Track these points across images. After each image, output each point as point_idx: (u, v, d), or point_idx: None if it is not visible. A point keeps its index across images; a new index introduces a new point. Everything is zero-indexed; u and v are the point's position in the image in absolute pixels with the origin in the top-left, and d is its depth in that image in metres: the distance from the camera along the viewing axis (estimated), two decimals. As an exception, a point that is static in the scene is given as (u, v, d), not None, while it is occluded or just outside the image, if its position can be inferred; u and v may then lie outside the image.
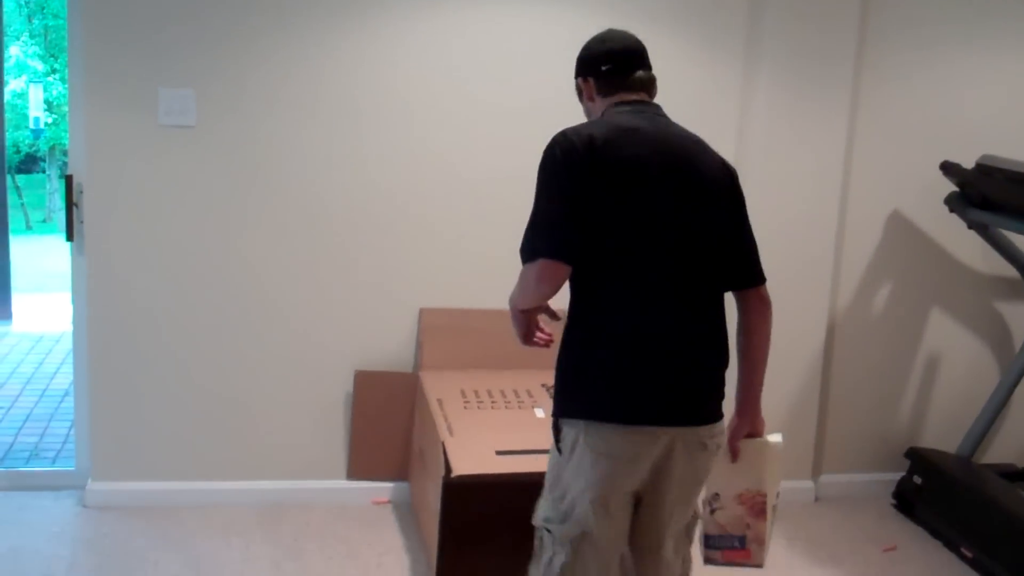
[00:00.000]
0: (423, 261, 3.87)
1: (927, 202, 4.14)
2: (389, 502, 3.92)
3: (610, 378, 2.25)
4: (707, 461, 2.39)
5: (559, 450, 2.33)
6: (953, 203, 4.03)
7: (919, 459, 4.12)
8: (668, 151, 2.30)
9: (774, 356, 4.01)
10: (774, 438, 2.53)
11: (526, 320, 2.45)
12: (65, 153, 3.34)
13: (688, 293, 2.32)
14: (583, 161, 2.20)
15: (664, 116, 2.41)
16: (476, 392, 3.61)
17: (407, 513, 3.83)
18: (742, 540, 2.54)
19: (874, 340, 4.25)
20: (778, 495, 2.57)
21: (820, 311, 4.09)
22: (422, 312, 3.87)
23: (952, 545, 3.80)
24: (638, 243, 2.24)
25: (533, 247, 2.24)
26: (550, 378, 3.70)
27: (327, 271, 3.81)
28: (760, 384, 2.51)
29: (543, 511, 2.39)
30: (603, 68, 2.38)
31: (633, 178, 2.23)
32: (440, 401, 3.52)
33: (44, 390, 5.75)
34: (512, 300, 2.42)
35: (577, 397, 2.30)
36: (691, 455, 2.35)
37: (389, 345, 3.88)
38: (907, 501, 4.11)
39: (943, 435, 4.31)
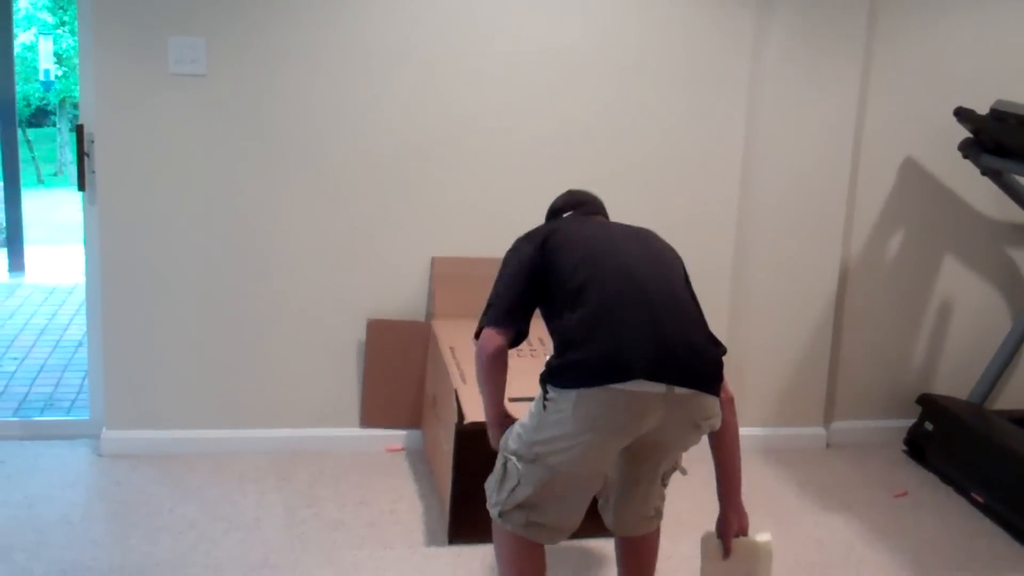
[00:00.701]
0: (435, 210, 3.83)
1: (941, 149, 4.09)
2: (403, 449, 3.92)
3: (599, 346, 2.27)
4: (697, 438, 2.44)
5: (544, 407, 2.35)
6: (967, 149, 3.97)
7: (931, 405, 4.10)
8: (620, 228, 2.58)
9: (788, 300, 4.02)
10: (763, 537, 2.61)
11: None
12: (75, 106, 3.31)
13: (665, 290, 2.40)
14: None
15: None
16: (488, 340, 3.58)
17: (420, 460, 3.83)
18: None
19: (886, 287, 4.22)
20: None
21: (832, 258, 4.05)
22: (434, 260, 3.84)
23: (963, 491, 3.79)
24: (603, 265, 2.40)
25: None
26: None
27: (339, 220, 3.78)
28: (738, 478, 2.55)
29: (514, 444, 2.42)
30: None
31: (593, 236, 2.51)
32: (452, 349, 3.51)
33: (58, 341, 5.75)
34: None
35: (568, 371, 2.30)
36: (682, 433, 2.39)
37: (401, 294, 3.86)
38: (918, 447, 4.10)
39: (955, 382, 4.29)
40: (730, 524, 2.55)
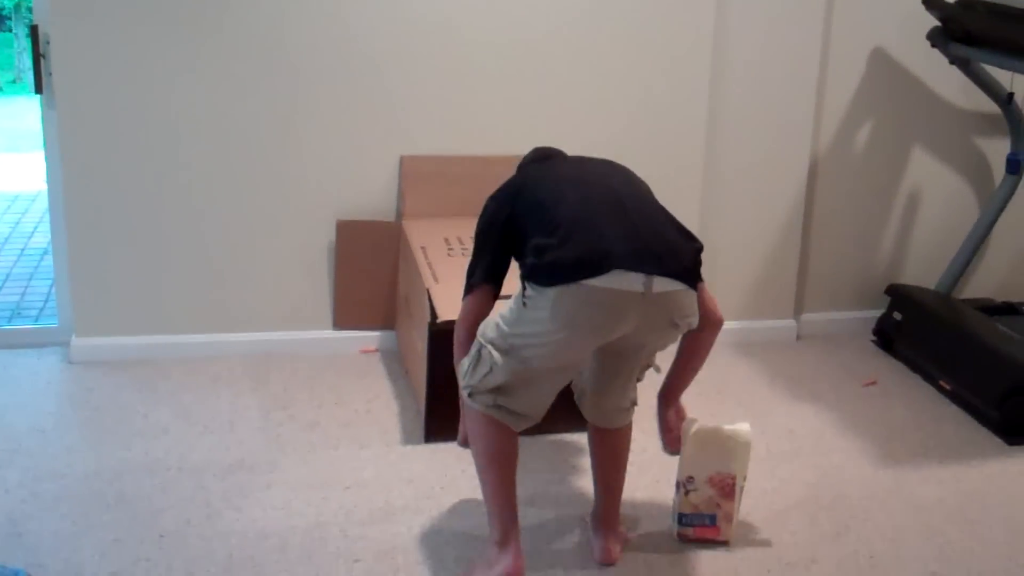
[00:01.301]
0: (404, 108, 3.74)
1: (909, 38, 4.03)
2: (376, 350, 3.89)
3: (576, 246, 2.28)
4: (675, 336, 2.45)
5: (524, 304, 2.35)
6: (935, 38, 3.91)
7: (899, 296, 4.11)
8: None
9: (758, 194, 3.99)
10: (742, 427, 2.68)
11: None
12: (31, 10, 3.20)
13: (636, 195, 2.46)
14: None
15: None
16: (460, 239, 3.55)
17: (395, 360, 3.81)
18: (712, 518, 2.70)
19: (855, 179, 4.19)
20: (744, 478, 2.73)
21: (802, 151, 4.01)
22: (403, 160, 3.77)
23: (931, 379, 3.82)
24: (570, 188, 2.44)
25: None
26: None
27: (305, 120, 3.69)
28: (687, 384, 2.68)
29: (491, 333, 2.43)
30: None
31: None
32: (424, 249, 3.46)
33: (23, 249, 5.65)
34: None
35: (546, 269, 2.29)
36: (660, 332, 2.40)
37: (371, 194, 3.79)
38: (887, 337, 4.12)
39: (923, 272, 4.30)
40: (670, 422, 2.67)
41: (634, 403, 2.65)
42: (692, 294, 2.36)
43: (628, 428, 2.67)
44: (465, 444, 2.63)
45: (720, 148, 3.98)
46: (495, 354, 2.39)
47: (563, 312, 2.28)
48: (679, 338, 2.51)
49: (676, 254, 2.34)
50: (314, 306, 3.87)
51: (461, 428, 2.70)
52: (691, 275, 2.36)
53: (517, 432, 2.47)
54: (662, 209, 2.46)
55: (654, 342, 2.48)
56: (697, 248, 2.41)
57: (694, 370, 2.65)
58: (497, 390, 2.41)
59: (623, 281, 2.26)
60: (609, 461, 2.67)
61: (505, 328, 2.38)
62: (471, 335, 2.50)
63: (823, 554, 2.71)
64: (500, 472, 2.47)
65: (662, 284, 2.29)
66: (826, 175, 4.15)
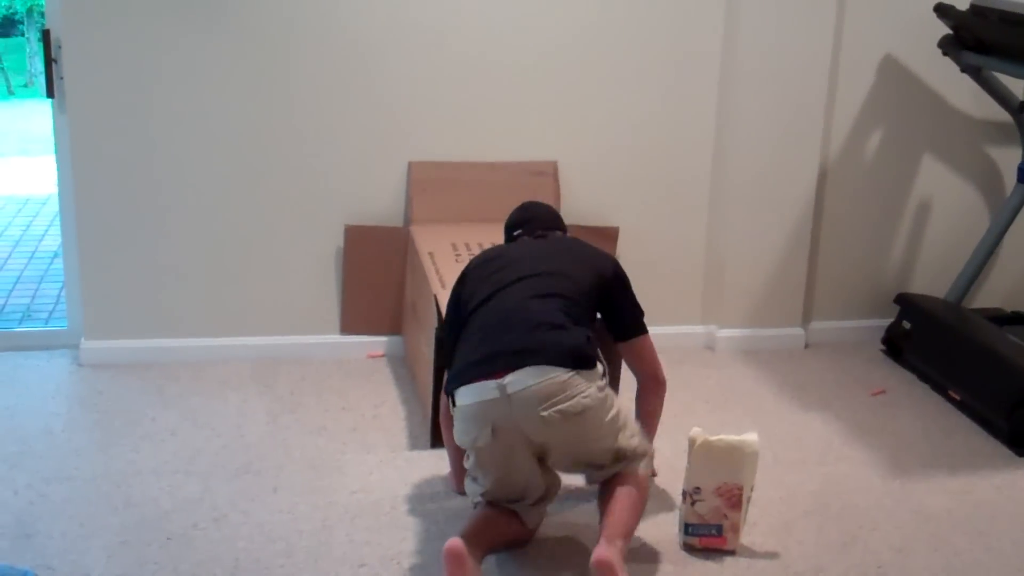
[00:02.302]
0: (412, 113, 3.75)
1: (920, 45, 4.01)
2: (383, 355, 3.90)
3: (460, 360, 2.57)
4: (566, 432, 2.47)
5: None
6: (946, 46, 3.90)
7: (908, 304, 4.10)
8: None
9: (766, 202, 3.99)
10: (751, 437, 2.67)
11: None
12: (43, 14, 3.21)
13: (536, 298, 2.59)
14: None
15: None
16: (467, 245, 3.54)
17: (401, 366, 3.81)
18: (719, 528, 2.70)
19: (865, 187, 4.18)
20: (752, 488, 2.76)
21: (812, 158, 4.00)
22: (411, 165, 3.77)
23: (940, 388, 3.80)
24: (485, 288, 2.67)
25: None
26: (542, 230, 3.69)
27: (314, 125, 3.70)
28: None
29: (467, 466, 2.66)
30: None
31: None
32: (431, 254, 3.46)
33: (33, 252, 5.67)
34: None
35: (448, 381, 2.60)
36: (540, 430, 2.45)
37: (379, 199, 3.79)
38: (896, 346, 4.11)
39: (933, 280, 4.28)
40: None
41: (623, 457, 2.62)
42: (569, 379, 2.43)
43: (627, 476, 2.62)
44: (461, 491, 2.77)
45: (729, 156, 3.97)
46: (472, 486, 2.62)
47: (458, 434, 2.54)
48: (584, 433, 2.52)
49: (541, 344, 2.44)
50: (322, 311, 3.87)
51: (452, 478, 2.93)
52: (564, 358, 2.43)
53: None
54: (549, 307, 2.54)
55: (551, 442, 2.50)
56: (578, 336, 2.52)
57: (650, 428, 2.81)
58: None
59: (480, 391, 2.43)
60: (607, 494, 2.62)
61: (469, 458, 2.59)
62: (447, 429, 2.77)
63: (830, 564, 2.70)
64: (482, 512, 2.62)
65: (519, 380, 2.39)
66: (835, 183, 4.14)
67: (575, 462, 2.65)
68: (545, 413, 2.40)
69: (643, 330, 2.81)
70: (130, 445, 3.16)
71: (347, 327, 3.88)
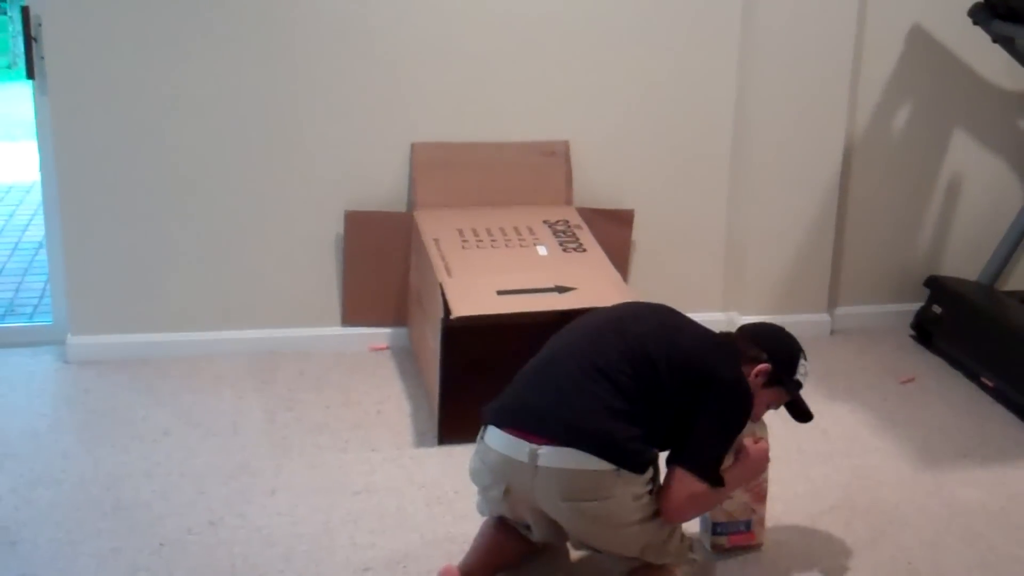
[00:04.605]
0: (414, 92, 3.73)
1: (950, 14, 3.98)
2: (387, 348, 3.89)
3: (512, 393, 2.49)
4: (584, 525, 2.37)
5: None
6: (977, 15, 3.87)
7: (939, 287, 4.08)
8: None
9: (789, 181, 3.96)
10: (758, 425, 2.63)
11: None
12: (24, -9, 3.21)
13: (581, 366, 2.41)
14: None
15: None
16: (474, 231, 3.54)
17: (406, 358, 3.80)
18: (747, 524, 2.71)
19: (892, 165, 4.15)
20: (767, 478, 2.71)
21: (836, 133, 3.97)
22: (414, 147, 3.75)
23: (972, 375, 3.79)
24: None
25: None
26: (552, 214, 3.74)
27: (311, 106, 3.68)
28: None
29: None
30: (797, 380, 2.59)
31: None
32: (437, 241, 3.46)
33: (16, 243, 5.65)
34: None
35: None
36: (558, 512, 2.36)
37: (381, 183, 3.78)
38: (926, 332, 4.09)
39: (964, 262, 4.26)
40: None
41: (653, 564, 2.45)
42: (606, 476, 2.28)
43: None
44: None
45: (749, 132, 3.95)
46: (479, 499, 2.59)
47: (472, 466, 2.51)
48: (600, 531, 2.38)
49: (572, 415, 2.31)
50: (322, 301, 3.86)
51: None
52: (611, 450, 2.28)
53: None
54: (600, 385, 2.35)
55: (568, 528, 2.41)
56: (622, 432, 2.30)
57: None
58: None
59: (511, 447, 2.34)
60: None
61: None
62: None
63: (857, 561, 2.69)
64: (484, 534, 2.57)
65: (554, 457, 2.29)
66: (861, 160, 4.12)
67: (591, 548, 2.51)
68: (565, 504, 2.33)
69: (693, 468, 2.37)
70: (120, 446, 3.16)
71: (348, 318, 3.87)
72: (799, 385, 2.58)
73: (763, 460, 2.55)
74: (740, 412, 2.44)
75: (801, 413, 2.63)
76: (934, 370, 3.89)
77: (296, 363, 3.75)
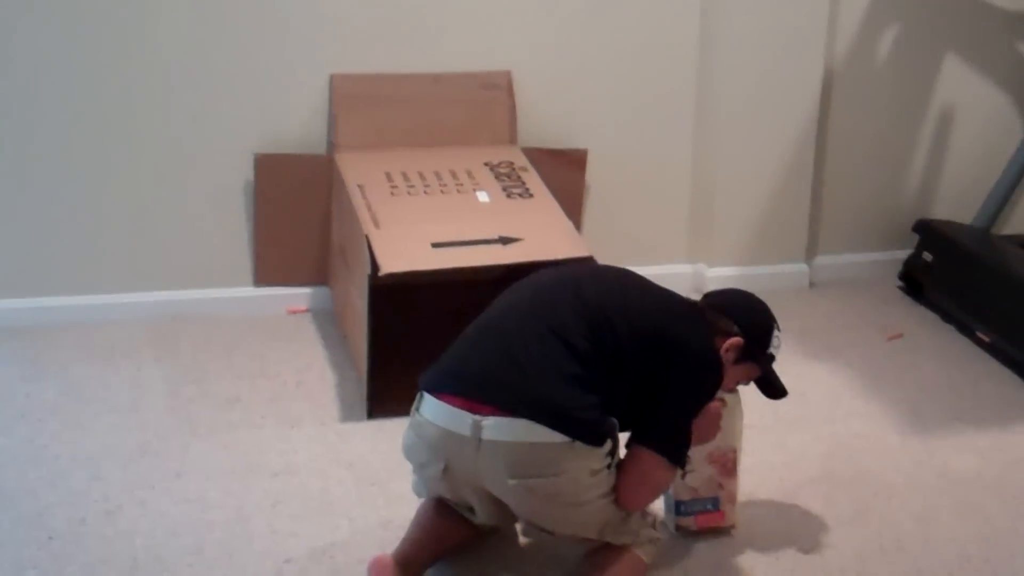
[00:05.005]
0: (334, 15, 3.70)
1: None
2: (307, 310, 3.89)
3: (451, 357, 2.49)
4: (533, 505, 2.37)
5: None
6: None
7: (929, 233, 4.13)
8: None
9: (761, 116, 3.98)
10: (733, 396, 2.66)
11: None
12: None
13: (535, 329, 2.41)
14: None
15: None
16: (405, 175, 3.54)
17: (329, 322, 3.81)
18: (715, 502, 2.71)
19: (877, 96, 4.20)
20: (740, 450, 2.73)
21: (814, 59, 4.00)
22: (334, 79, 3.74)
23: (967, 329, 3.85)
24: None
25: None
26: (494, 155, 3.75)
27: (213, 32, 3.64)
28: None
29: None
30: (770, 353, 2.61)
31: None
32: (361, 187, 3.45)
33: None
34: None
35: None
36: (503, 491, 2.36)
37: (296, 121, 3.76)
38: (915, 282, 4.15)
39: (958, 204, 4.32)
40: None
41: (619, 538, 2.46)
42: (559, 449, 2.28)
43: (619, 558, 2.46)
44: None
45: (717, 62, 3.97)
46: (415, 480, 2.61)
47: (405, 442, 2.51)
48: (549, 511, 2.40)
49: (528, 385, 2.30)
50: (230, 259, 3.85)
51: None
52: (565, 421, 2.27)
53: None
54: (554, 350, 2.34)
55: (515, 509, 2.42)
56: (588, 403, 2.31)
57: None
58: None
59: (451, 418, 2.32)
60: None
61: None
62: None
63: (841, 539, 2.73)
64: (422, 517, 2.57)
65: (500, 429, 2.28)
66: (843, 92, 4.15)
67: (543, 530, 2.52)
68: (513, 482, 2.31)
69: (658, 448, 2.40)
70: (0, 427, 3.13)
71: (262, 277, 3.87)
72: (772, 359, 2.61)
73: (712, 425, 2.57)
74: (709, 387, 2.47)
75: (773, 389, 2.65)
76: (924, 324, 3.95)
77: (203, 329, 3.73)
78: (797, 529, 2.77)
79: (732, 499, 2.72)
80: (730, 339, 2.51)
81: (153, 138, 3.70)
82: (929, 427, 3.27)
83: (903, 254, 4.24)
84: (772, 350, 2.60)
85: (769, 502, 2.87)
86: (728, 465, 2.70)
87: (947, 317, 3.96)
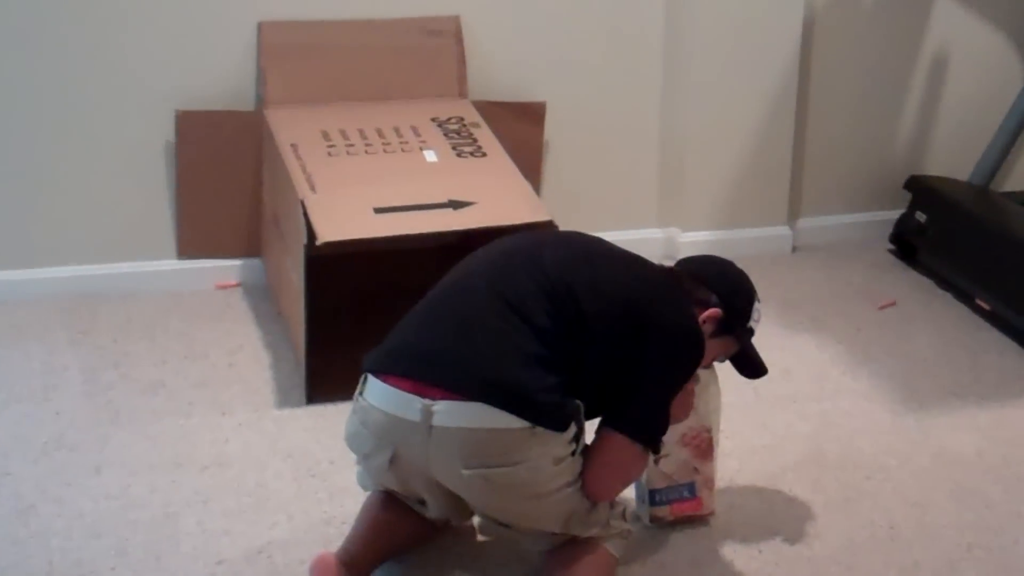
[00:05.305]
0: (259, -44, 3.69)
1: None
2: (238, 285, 3.90)
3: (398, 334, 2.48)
4: (487, 497, 2.37)
5: None
6: None
7: (923, 191, 4.16)
8: None
9: (738, 65, 4.00)
10: (710, 371, 2.67)
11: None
12: None
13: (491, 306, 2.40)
14: None
15: None
16: (343, 132, 3.53)
17: (263, 298, 3.81)
18: (691, 488, 2.71)
19: (864, 39, 4.22)
20: (719, 430, 2.74)
21: (794, 6, 4.01)
22: (262, 27, 3.72)
23: (965, 296, 3.89)
24: None
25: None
26: (442, 110, 3.74)
27: (126, -23, 3.62)
28: None
29: None
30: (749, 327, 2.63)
31: None
32: (295, 147, 3.44)
33: None
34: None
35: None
36: (456, 482, 2.35)
37: (221, 75, 3.75)
38: (908, 245, 4.19)
39: (953, 159, 4.36)
40: None
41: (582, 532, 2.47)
42: (519, 434, 2.27)
43: (586, 554, 2.47)
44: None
45: (687, 6, 3.97)
46: (360, 472, 2.60)
47: (347, 430, 2.49)
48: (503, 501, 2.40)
49: (487, 369, 2.29)
50: (151, 229, 3.84)
51: None
52: (524, 405, 2.27)
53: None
54: (512, 327, 2.34)
55: (471, 501, 2.42)
56: (550, 385, 2.30)
57: None
58: None
59: (399, 403, 2.31)
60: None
61: None
62: None
63: (829, 526, 2.76)
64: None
65: (452, 414, 2.27)
66: (826, 35, 4.17)
67: (502, 524, 2.51)
68: (467, 472, 2.30)
69: (634, 433, 2.40)
70: None
71: (186, 249, 3.86)
72: (751, 333, 2.62)
73: (685, 402, 2.58)
74: (690, 364, 2.47)
75: (753, 367, 2.66)
76: (918, 292, 3.99)
77: (121, 308, 3.72)
78: (781, 517, 2.79)
79: (709, 484, 2.73)
80: (707, 310, 2.52)
81: (64, 95, 3.67)
82: (925, 404, 3.30)
83: (894, 214, 4.27)
84: (752, 323, 2.61)
85: (751, 488, 2.89)
86: (703, 447, 2.70)
87: (943, 283, 4.00)
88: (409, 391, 2.31)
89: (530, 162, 3.84)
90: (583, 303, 2.35)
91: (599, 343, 2.35)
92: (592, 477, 2.39)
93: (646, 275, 2.51)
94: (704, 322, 2.50)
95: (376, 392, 2.37)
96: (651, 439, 2.40)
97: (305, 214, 3.10)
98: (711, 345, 2.52)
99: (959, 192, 4.12)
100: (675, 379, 2.44)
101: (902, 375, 3.45)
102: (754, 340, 2.63)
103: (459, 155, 3.48)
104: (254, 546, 2.65)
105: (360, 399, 2.42)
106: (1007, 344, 3.64)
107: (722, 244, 4.09)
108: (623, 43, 4.02)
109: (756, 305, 2.61)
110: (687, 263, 2.68)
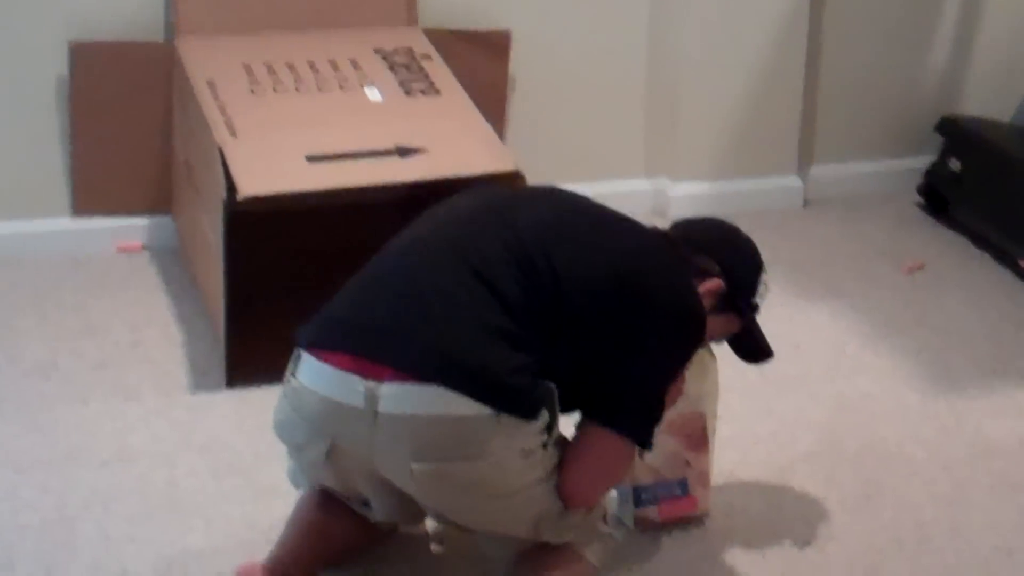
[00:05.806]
0: None
1: None
2: (144, 247, 3.90)
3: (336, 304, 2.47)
4: (441, 496, 2.38)
5: None
6: None
7: (957, 134, 4.18)
8: None
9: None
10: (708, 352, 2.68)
11: None
12: None
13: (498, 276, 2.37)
14: None
15: None
16: (269, 67, 3.53)
17: (174, 262, 3.82)
18: (683, 486, 2.72)
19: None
20: (716, 417, 2.75)
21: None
22: (172, -60, 3.71)
23: (1005, 256, 3.92)
24: None
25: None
26: (388, 40, 3.74)
27: None
28: None
29: None
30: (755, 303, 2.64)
31: None
32: (212, 84, 3.43)
33: None
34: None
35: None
36: (405, 481, 2.35)
37: (122, -1, 3.74)
38: (939, 197, 4.21)
39: (991, 97, 4.39)
40: None
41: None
42: (480, 423, 2.27)
43: (561, 559, 2.49)
44: None
45: None
46: (292, 469, 2.61)
47: (276, 417, 2.49)
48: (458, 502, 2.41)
49: (444, 345, 2.28)
50: (40, 181, 3.85)
51: None
52: (487, 388, 2.26)
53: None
54: (475, 295, 2.33)
55: (421, 501, 2.42)
56: (518, 365, 2.30)
57: None
58: None
59: (339, 385, 2.30)
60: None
61: None
62: None
63: (846, 527, 2.77)
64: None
65: (402, 398, 2.27)
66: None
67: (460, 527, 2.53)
68: (419, 467, 2.29)
69: (617, 424, 2.40)
70: None
71: (83, 205, 3.87)
72: (756, 310, 2.63)
73: (674, 385, 2.56)
74: (689, 347, 2.46)
75: (756, 349, 2.67)
76: (952, 251, 4.02)
77: (6, 275, 3.72)
78: (790, 517, 2.80)
79: (704, 480, 2.74)
80: (708, 282, 2.52)
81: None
82: (958, 384, 3.32)
83: (923, 161, 4.30)
84: (757, 298, 2.61)
85: (754, 484, 2.91)
86: (696, 436, 2.70)
87: (980, 242, 4.02)
88: (351, 370, 2.29)
89: (493, 102, 3.84)
90: (563, 273, 2.34)
91: (578, 319, 2.35)
92: (570, 479, 2.38)
93: (641, 242, 2.50)
94: (703, 295, 2.50)
95: (311, 372, 2.35)
96: (643, 434, 2.39)
97: (224, 163, 3.10)
98: (709, 322, 2.52)
99: (999, 135, 4.14)
100: (671, 364, 2.44)
101: (932, 350, 3.47)
102: (759, 316, 2.63)
103: (408, 93, 3.48)
104: (165, 556, 2.65)
105: (292, 380, 2.40)
106: (1055, 313, 3.68)
107: (721, 197, 4.14)
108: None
109: (763, 277, 2.62)
110: (684, 226, 2.68)
